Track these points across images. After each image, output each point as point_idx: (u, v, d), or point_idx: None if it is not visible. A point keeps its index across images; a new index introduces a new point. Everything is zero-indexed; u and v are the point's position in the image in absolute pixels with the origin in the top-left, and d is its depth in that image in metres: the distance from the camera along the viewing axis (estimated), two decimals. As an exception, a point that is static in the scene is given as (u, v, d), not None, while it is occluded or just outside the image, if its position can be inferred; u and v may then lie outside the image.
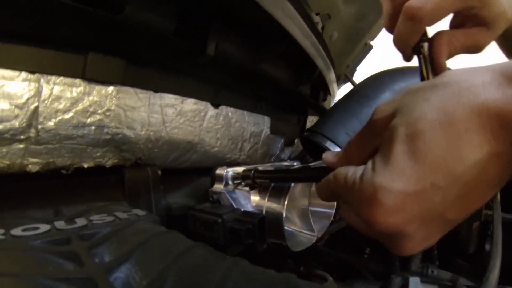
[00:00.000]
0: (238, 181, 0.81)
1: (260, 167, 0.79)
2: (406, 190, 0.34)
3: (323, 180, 0.47)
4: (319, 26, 1.40)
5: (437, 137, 0.33)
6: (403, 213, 0.34)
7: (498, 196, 0.98)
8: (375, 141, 0.41)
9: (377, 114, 0.41)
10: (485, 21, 0.50)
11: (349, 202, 0.42)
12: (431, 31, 0.53)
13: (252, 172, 0.76)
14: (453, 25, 0.54)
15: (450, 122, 0.32)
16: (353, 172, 0.41)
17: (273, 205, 0.74)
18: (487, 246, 1.01)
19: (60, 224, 0.50)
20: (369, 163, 0.39)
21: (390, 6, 0.52)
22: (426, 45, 0.52)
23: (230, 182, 0.82)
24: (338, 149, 1.10)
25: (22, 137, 0.58)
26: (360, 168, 0.40)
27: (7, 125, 0.55)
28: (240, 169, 0.82)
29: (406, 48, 0.54)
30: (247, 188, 0.80)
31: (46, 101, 0.60)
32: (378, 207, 0.35)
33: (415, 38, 0.51)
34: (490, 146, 0.31)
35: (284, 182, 0.75)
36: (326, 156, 0.52)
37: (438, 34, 0.52)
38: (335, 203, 0.90)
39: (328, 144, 1.13)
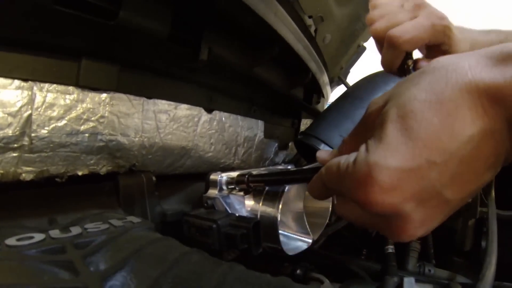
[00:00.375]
0: (233, 186, 0.82)
1: (254, 171, 0.79)
2: (401, 166, 0.33)
3: (315, 176, 0.47)
4: (312, 29, 1.40)
5: (428, 115, 0.33)
6: (399, 190, 0.34)
7: (493, 193, 0.99)
8: (368, 134, 0.40)
9: (370, 107, 0.42)
10: None
11: (342, 192, 0.42)
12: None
13: (246, 176, 0.76)
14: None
15: (440, 101, 0.33)
16: (345, 159, 0.40)
17: (268, 209, 0.74)
18: (483, 243, 1.01)
19: (55, 233, 0.50)
20: (362, 147, 0.38)
21: (376, 36, 0.63)
22: (411, 61, 0.62)
23: (224, 187, 0.82)
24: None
25: (15, 145, 0.58)
26: (353, 155, 0.39)
27: (0, 133, 0.55)
28: (234, 174, 0.82)
29: (391, 70, 0.64)
30: (242, 193, 0.80)
31: (39, 109, 0.60)
32: (374, 186, 0.34)
33: (398, 61, 0.62)
34: (483, 122, 0.32)
35: (278, 185, 0.76)
36: (320, 154, 0.52)
37: (420, 58, 0.65)
38: (330, 206, 0.90)
39: (322, 146, 1.14)
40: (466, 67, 0.33)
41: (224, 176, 0.83)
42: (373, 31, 0.63)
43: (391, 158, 0.34)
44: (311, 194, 0.49)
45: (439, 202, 0.35)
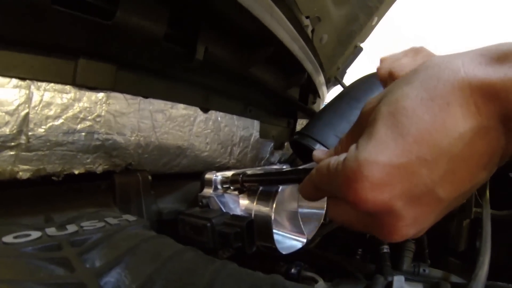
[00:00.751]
0: (227, 185, 0.82)
1: (249, 171, 0.79)
2: (391, 162, 0.33)
3: (306, 177, 0.47)
4: (309, 29, 1.41)
5: (419, 111, 0.32)
6: (390, 187, 0.33)
7: (487, 194, 0.99)
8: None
9: (365, 106, 0.42)
10: None
11: (333, 192, 0.41)
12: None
13: (241, 176, 0.77)
14: None
15: (432, 97, 0.32)
16: (335, 159, 0.40)
17: (262, 208, 0.75)
18: (478, 243, 1.02)
19: (51, 230, 0.50)
20: (353, 146, 0.37)
21: (381, 76, 0.65)
22: None
23: (219, 187, 0.83)
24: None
25: (12, 144, 0.58)
26: (343, 155, 0.38)
27: (-2, 132, 0.56)
28: (229, 173, 0.83)
29: None
30: (236, 192, 0.81)
31: (36, 108, 0.60)
32: (364, 182, 0.33)
33: None
34: (476, 120, 0.31)
35: (272, 185, 0.76)
36: (316, 153, 0.52)
37: None
38: (325, 206, 0.90)
39: (318, 147, 1.14)
40: (460, 65, 0.32)
41: (219, 176, 0.83)
42: (379, 73, 0.66)
43: (380, 154, 0.33)
44: (302, 195, 0.49)
45: (431, 200, 0.34)
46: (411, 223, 0.35)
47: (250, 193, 0.79)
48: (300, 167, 0.74)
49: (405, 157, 0.32)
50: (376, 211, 0.35)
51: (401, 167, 0.33)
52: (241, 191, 0.80)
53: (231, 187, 0.82)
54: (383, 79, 0.65)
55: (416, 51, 0.65)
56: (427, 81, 0.34)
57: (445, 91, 0.32)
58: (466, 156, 0.32)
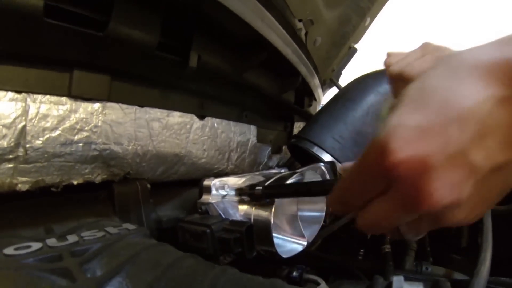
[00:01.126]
0: (244, 198, 0.80)
1: (255, 178, 0.79)
2: (421, 124, 0.34)
3: (334, 188, 0.45)
4: (302, 32, 1.41)
5: (444, 83, 0.35)
6: (423, 143, 0.33)
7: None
8: None
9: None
10: None
11: (363, 193, 0.40)
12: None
13: (261, 188, 0.75)
14: None
15: (455, 73, 0.35)
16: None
17: (261, 213, 0.75)
18: (480, 239, 1.02)
19: (51, 241, 0.50)
20: None
21: (390, 75, 0.66)
22: None
23: (218, 193, 0.83)
24: (325, 154, 1.11)
25: (10, 156, 0.58)
26: None
27: (-4, 145, 0.56)
28: (227, 179, 0.83)
29: None
30: (235, 198, 0.80)
31: (33, 120, 0.60)
32: (397, 141, 0.34)
33: None
34: (497, 88, 0.33)
35: (297, 197, 0.75)
36: (343, 166, 0.52)
37: None
38: (325, 207, 0.90)
39: (315, 149, 1.14)
40: (481, 51, 0.35)
41: (218, 182, 0.83)
42: (388, 71, 0.67)
43: (410, 119, 0.34)
44: (332, 209, 0.48)
45: (465, 162, 0.34)
46: (448, 186, 0.34)
47: (249, 198, 0.79)
48: (299, 171, 0.73)
49: (435, 118, 0.34)
50: (413, 172, 0.34)
51: (431, 127, 0.34)
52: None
53: (244, 199, 0.79)
54: (393, 78, 0.65)
55: (424, 49, 0.65)
56: (450, 65, 0.36)
57: (467, 67, 0.34)
58: (493, 121, 0.33)
